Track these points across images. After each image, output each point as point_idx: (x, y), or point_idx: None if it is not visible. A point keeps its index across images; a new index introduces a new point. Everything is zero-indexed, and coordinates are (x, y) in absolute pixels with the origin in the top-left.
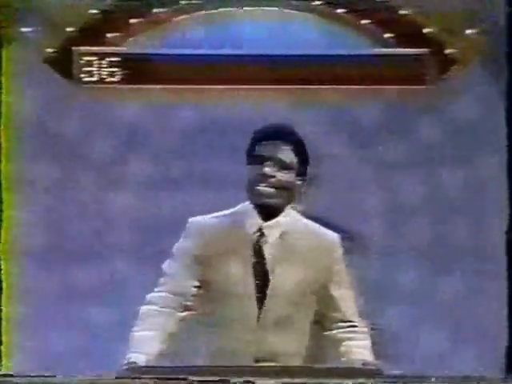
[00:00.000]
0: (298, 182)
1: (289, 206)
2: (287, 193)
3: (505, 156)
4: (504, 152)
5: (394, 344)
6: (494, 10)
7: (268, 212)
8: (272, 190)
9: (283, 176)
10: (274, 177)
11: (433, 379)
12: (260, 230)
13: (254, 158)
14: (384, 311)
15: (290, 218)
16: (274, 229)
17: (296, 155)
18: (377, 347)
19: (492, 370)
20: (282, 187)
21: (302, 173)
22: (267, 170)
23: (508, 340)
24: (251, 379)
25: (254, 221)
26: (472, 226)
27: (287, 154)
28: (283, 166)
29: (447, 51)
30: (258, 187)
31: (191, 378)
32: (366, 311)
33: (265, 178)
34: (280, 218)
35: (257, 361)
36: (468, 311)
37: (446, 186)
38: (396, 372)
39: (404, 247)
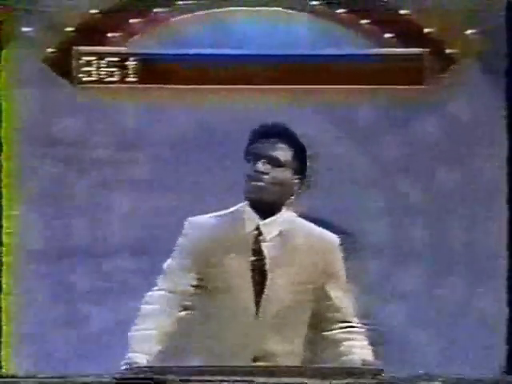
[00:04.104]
0: (295, 181)
1: (286, 206)
2: (282, 190)
3: (505, 156)
4: (504, 152)
5: (394, 344)
6: (494, 10)
7: (265, 210)
8: (266, 185)
9: (277, 173)
10: (267, 174)
11: (433, 379)
12: (257, 228)
13: (250, 156)
14: (383, 312)
15: (288, 217)
16: (271, 227)
17: (292, 153)
18: (376, 347)
19: (492, 371)
20: (276, 184)
21: (299, 171)
22: (260, 166)
23: (508, 341)
24: (250, 379)
25: (252, 219)
26: (472, 226)
27: (282, 152)
28: (277, 164)
29: (447, 51)
30: (252, 183)
31: (191, 378)
32: (365, 312)
33: (259, 174)
34: (277, 217)
35: (255, 360)
36: (468, 311)
37: (446, 185)
38: (396, 372)
39: (403, 247)
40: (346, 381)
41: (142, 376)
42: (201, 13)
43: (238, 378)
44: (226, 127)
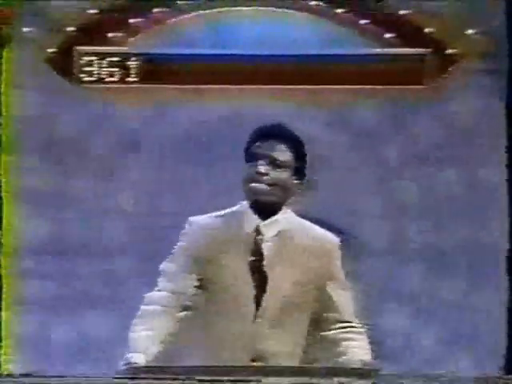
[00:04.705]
0: (295, 181)
1: (286, 206)
2: (283, 191)
3: (505, 156)
4: (504, 152)
5: (393, 344)
6: (494, 10)
7: (265, 211)
8: (266, 187)
9: (278, 174)
10: (267, 175)
11: (432, 379)
12: (257, 228)
13: (250, 157)
14: (383, 312)
15: (288, 217)
16: (271, 228)
17: (292, 154)
18: (375, 347)
19: (491, 370)
20: (276, 185)
21: (299, 172)
22: (261, 167)
23: (507, 340)
24: (250, 379)
25: (252, 220)
26: (472, 226)
27: (282, 153)
28: (278, 165)
29: (447, 51)
30: (252, 185)
31: (191, 377)
32: (365, 312)
33: (259, 176)
34: (277, 217)
35: (254, 360)
36: (467, 311)
37: (446, 186)
38: (395, 372)
39: (403, 248)
40: (345, 381)
41: (141, 376)
42: (201, 13)
43: (238, 378)
44: (226, 127)
